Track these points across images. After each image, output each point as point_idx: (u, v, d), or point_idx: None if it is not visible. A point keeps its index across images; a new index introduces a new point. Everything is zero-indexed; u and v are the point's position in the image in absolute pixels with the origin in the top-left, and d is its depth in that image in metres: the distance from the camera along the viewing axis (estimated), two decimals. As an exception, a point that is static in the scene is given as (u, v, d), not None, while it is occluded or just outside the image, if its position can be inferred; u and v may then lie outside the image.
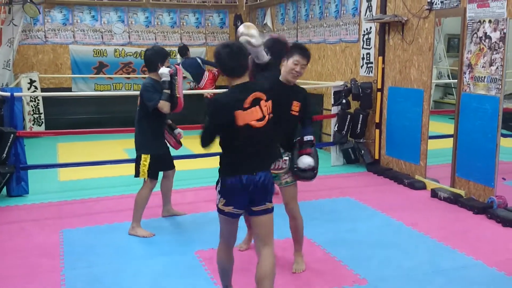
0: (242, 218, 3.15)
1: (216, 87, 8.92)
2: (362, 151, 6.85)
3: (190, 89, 9.06)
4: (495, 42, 4.81)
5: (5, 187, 5.50)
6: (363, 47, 7.04)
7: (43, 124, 9.32)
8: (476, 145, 5.09)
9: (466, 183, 5.30)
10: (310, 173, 3.48)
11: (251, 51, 3.19)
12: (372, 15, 6.67)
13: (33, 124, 9.16)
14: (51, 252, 4.05)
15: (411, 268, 3.72)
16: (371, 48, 6.86)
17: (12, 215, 4.98)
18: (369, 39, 6.89)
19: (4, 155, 5.31)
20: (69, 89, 10.15)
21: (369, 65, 6.92)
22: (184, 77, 6.99)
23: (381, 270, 3.69)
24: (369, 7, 6.81)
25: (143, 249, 4.13)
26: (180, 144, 4.76)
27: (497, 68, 4.81)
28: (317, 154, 3.54)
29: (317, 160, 3.49)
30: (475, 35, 5.05)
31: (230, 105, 2.73)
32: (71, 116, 9.48)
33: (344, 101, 6.81)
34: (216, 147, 2.91)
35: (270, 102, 2.85)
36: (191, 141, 7.73)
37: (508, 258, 3.91)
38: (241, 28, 3.22)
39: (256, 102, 2.77)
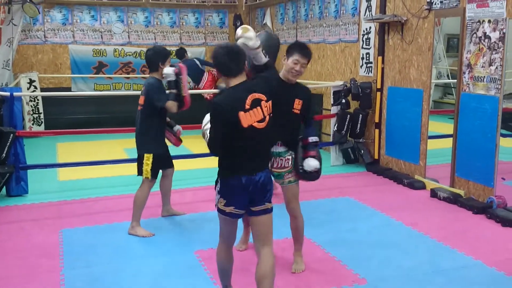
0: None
1: (216, 88, 8.92)
2: (362, 151, 6.85)
3: (190, 89, 9.05)
4: (495, 42, 4.81)
5: (4, 187, 5.50)
6: (362, 47, 7.04)
7: (43, 124, 9.31)
8: (475, 145, 5.09)
9: (466, 183, 5.30)
10: (315, 175, 3.50)
11: (249, 53, 3.19)
12: (372, 15, 6.67)
13: (32, 124, 9.15)
14: (51, 252, 4.05)
15: (410, 268, 3.73)
16: (370, 48, 6.86)
17: (11, 215, 4.98)
18: (368, 39, 6.89)
19: (4, 155, 5.31)
20: (69, 89, 10.15)
21: (368, 65, 6.93)
22: None
23: (380, 270, 3.69)
24: (369, 7, 6.81)
25: (142, 249, 4.13)
26: (180, 140, 4.76)
27: (496, 68, 4.82)
28: (320, 154, 3.55)
29: (320, 160, 3.50)
30: (474, 35, 5.05)
31: (232, 107, 2.71)
32: (70, 116, 9.48)
33: (343, 101, 6.81)
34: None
35: (270, 102, 2.84)
36: (190, 141, 7.75)
37: (508, 258, 3.91)
38: (239, 31, 3.23)
39: (256, 103, 2.76)
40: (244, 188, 2.79)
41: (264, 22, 10.29)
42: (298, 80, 3.58)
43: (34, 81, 9.18)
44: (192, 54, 9.75)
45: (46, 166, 6.28)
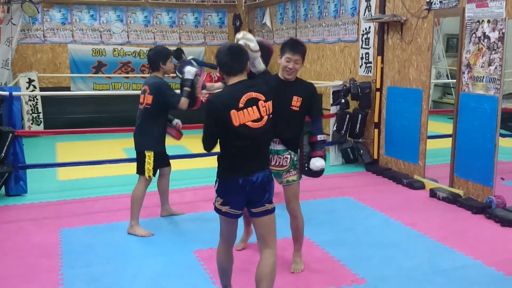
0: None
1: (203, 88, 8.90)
2: (361, 151, 6.85)
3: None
4: (494, 42, 4.81)
5: (3, 187, 5.49)
6: (362, 47, 7.04)
7: (42, 124, 9.31)
8: (475, 145, 5.10)
9: (465, 183, 5.30)
10: (319, 174, 3.51)
11: (249, 56, 3.14)
12: (371, 15, 6.68)
13: (31, 124, 9.15)
14: (50, 251, 4.05)
15: (410, 268, 3.73)
16: (370, 47, 6.86)
17: (10, 215, 4.98)
18: (368, 38, 6.89)
19: (3, 154, 5.30)
20: (68, 89, 10.16)
21: (368, 65, 6.93)
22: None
23: (380, 270, 3.69)
24: (368, 7, 6.81)
25: (141, 248, 4.13)
26: (181, 133, 4.77)
27: (495, 68, 4.82)
28: (325, 152, 3.55)
29: (325, 158, 3.51)
30: (474, 35, 5.05)
31: (224, 105, 2.71)
32: (69, 115, 9.46)
33: (343, 100, 6.81)
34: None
35: (270, 103, 2.82)
36: (189, 141, 7.74)
37: (507, 258, 3.92)
38: (238, 35, 3.20)
39: (252, 102, 2.74)
40: (241, 189, 2.78)
41: (264, 21, 10.29)
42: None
43: (33, 80, 9.17)
44: (189, 55, 9.72)
45: (45, 165, 6.27)
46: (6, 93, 5.47)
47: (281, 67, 3.43)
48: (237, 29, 10.99)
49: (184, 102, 4.28)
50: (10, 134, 5.32)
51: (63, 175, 6.42)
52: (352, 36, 7.31)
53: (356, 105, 6.87)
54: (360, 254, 3.98)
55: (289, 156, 3.50)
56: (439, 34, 6.51)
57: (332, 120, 7.04)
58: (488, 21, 4.87)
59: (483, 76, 4.96)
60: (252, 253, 3.90)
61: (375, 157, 6.76)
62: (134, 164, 4.49)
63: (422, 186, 5.79)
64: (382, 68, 6.58)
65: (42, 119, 9.30)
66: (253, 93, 2.75)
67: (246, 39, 3.13)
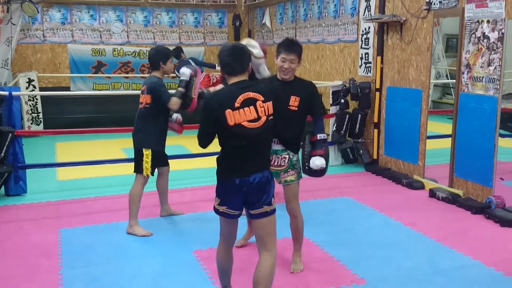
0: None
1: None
2: (361, 151, 6.85)
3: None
4: (493, 42, 4.81)
5: (3, 186, 5.49)
6: (361, 47, 7.04)
7: (42, 124, 9.30)
8: (474, 145, 5.10)
9: (464, 183, 5.30)
10: (320, 172, 3.50)
11: (253, 63, 3.14)
12: (371, 15, 6.68)
13: (31, 123, 9.14)
14: (49, 251, 4.05)
15: (409, 268, 3.73)
16: (369, 48, 6.86)
17: (10, 215, 4.98)
18: (367, 39, 6.90)
19: (2, 154, 5.30)
20: (68, 88, 10.16)
21: (367, 65, 6.93)
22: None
23: (379, 270, 3.70)
24: (368, 7, 6.82)
25: (141, 248, 4.13)
26: (182, 127, 4.76)
27: (495, 68, 4.82)
28: (328, 151, 3.53)
29: (328, 155, 3.50)
30: (473, 35, 5.05)
31: (220, 104, 2.71)
32: (69, 115, 9.46)
33: (342, 101, 6.81)
34: (213, 146, 2.90)
35: (270, 103, 2.80)
36: (188, 141, 7.74)
37: (506, 258, 3.92)
38: (243, 42, 3.20)
39: (249, 102, 2.72)
40: (238, 189, 2.77)
41: (263, 22, 10.29)
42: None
43: (33, 80, 9.17)
44: (189, 55, 9.71)
45: (44, 165, 6.27)
46: (6, 93, 5.47)
47: (278, 68, 3.44)
48: (236, 29, 11.00)
49: (175, 102, 4.26)
50: (10, 134, 5.32)
51: (63, 175, 6.42)
52: (352, 36, 7.31)
53: (356, 105, 6.87)
54: (359, 254, 3.98)
55: (287, 156, 3.50)
56: (438, 34, 6.51)
57: (332, 120, 7.04)
58: (488, 21, 4.87)
59: (483, 76, 4.97)
60: (252, 253, 3.90)
61: (375, 157, 6.76)
62: (133, 164, 4.49)
63: (421, 186, 5.79)
64: (381, 68, 6.58)
65: (41, 119, 9.30)
66: (250, 93, 2.74)
67: (250, 45, 3.12)
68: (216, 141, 2.86)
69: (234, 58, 2.78)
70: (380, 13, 6.48)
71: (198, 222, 4.71)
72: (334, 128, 6.94)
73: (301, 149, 3.59)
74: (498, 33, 4.76)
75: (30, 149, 7.22)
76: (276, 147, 3.49)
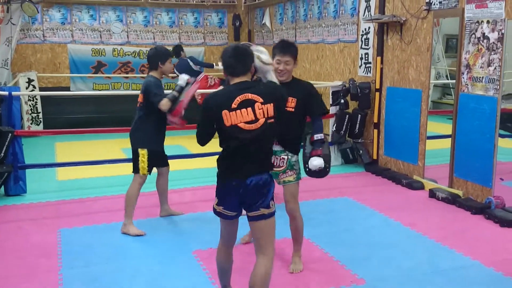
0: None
1: None
2: (360, 151, 6.85)
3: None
4: (493, 42, 4.81)
5: (3, 187, 5.49)
6: (361, 47, 7.04)
7: (41, 124, 9.30)
8: (474, 145, 5.10)
9: (464, 184, 5.30)
10: (321, 173, 3.49)
11: (261, 69, 3.09)
12: (371, 15, 6.68)
13: (31, 124, 9.14)
14: (49, 251, 4.05)
15: (409, 268, 3.73)
16: (369, 48, 6.86)
17: (9, 215, 4.98)
18: (367, 39, 6.90)
19: (2, 154, 5.30)
20: (67, 89, 10.15)
21: (367, 65, 6.93)
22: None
23: (379, 270, 3.70)
24: (368, 7, 6.82)
25: (141, 248, 4.13)
26: (184, 121, 4.74)
27: (495, 68, 4.82)
28: (329, 149, 3.50)
29: (329, 155, 3.47)
30: (473, 36, 5.05)
31: (218, 104, 2.71)
32: (69, 115, 9.46)
33: (342, 101, 6.81)
34: (212, 146, 2.90)
35: (270, 105, 2.75)
36: (188, 141, 7.74)
37: (506, 258, 3.92)
38: (252, 48, 3.18)
39: (247, 103, 2.70)
40: (234, 191, 2.77)
41: (263, 22, 10.29)
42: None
43: (33, 80, 9.17)
44: (192, 54, 9.72)
45: (44, 165, 6.27)
46: (6, 93, 5.47)
47: (274, 70, 3.42)
48: (236, 29, 11.00)
49: (165, 103, 4.25)
50: (10, 134, 5.32)
51: (63, 175, 6.42)
52: (352, 37, 7.31)
53: (356, 105, 6.87)
54: (359, 254, 3.98)
55: (286, 157, 3.51)
56: (438, 35, 6.51)
57: (332, 121, 7.04)
58: (488, 22, 4.87)
59: (483, 77, 4.97)
60: (253, 253, 3.86)
61: (375, 157, 6.76)
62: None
63: (421, 187, 5.79)
64: (381, 69, 6.58)
65: (41, 119, 9.30)
66: (249, 94, 2.72)
67: (258, 51, 3.09)
68: (216, 141, 2.86)
69: (237, 59, 2.78)
70: (380, 14, 6.48)
71: (198, 222, 4.71)
72: (334, 128, 6.94)
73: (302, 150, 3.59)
74: (498, 34, 4.76)
75: (30, 149, 7.21)
76: (275, 148, 3.49)
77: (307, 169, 3.49)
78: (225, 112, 2.69)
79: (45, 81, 10.04)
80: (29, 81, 9.11)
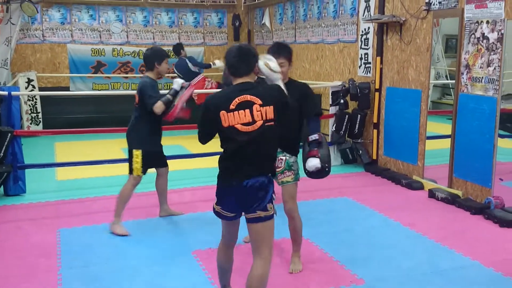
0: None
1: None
2: (360, 151, 6.85)
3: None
4: (493, 42, 4.82)
5: (2, 186, 5.49)
6: (361, 47, 7.04)
7: (41, 123, 9.30)
8: (473, 145, 5.10)
9: (464, 184, 5.30)
10: (322, 173, 3.46)
11: (269, 77, 3.06)
12: (370, 15, 6.68)
13: (30, 123, 9.14)
14: (48, 251, 4.04)
15: (409, 268, 3.73)
16: (369, 48, 6.86)
17: (9, 215, 4.98)
18: (367, 39, 6.90)
19: (1, 154, 5.30)
20: (67, 88, 10.15)
21: (367, 65, 6.93)
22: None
23: (378, 270, 3.69)
24: (367, 7, 6.82)
25: (140, 248, 4.13)
26: (188, 109, 4.75)
27: (494, 68, 4.82)
28: (328, 149, 3.47)
29: (328, 155, 3.44)
30: (473, 36, 5.05)
31: (216, 105, 2.72)
32: (68, 115, 9.46)
33: (342, 101, 6.81)
34: (212, 146, 2.90)
35: (269, 108, 2.72)
36: (188, 141, 7.74)
37: (505, 258, 3.92)
38: (260, 58, 3.17)
39: (245, 105, 2.69)
40: (232, 192, 2.77)
41: (263, 22, 10.29)
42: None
43: (32, 80, 9.17)
44: (191, 54, 9.71)
45: (44, 165, 6.27)
46: (5, 92, 5.46)
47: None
48: (236, 29, 10.99)
49: (159, 105, 4.29)
50: (9, 134, 5.31)
51: (62, 175, 6.42)
52: (351, 37, 7.31)
53: (355, 105, 6.87)
54: (359, 254, 3.98)
55: (284, 158, 3.52)
56: (438, 35, 6.51)
57: (331, 121, 7.04)
58: (487, 22, 4.87)
59: (482, 77, 4.97)
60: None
61: (374, 157, 6.76)
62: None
63: (421, 187, 5.79)
64: (381, 69, 6.58)
65: (41, 119, 9.29)
66: (248, 96, 2.71)
67: (266, 58, 3.08)
68: (216, 141, 2.86)
69: (240, 59, 2.77)
70: (379, 14, 6.48)
71: (198, 223, 4.71)
72: (334, 129, 6.94)
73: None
74: (498, 34, 4.76)
75: (29, 149, 7.21)
76: None
77: (306, 171, 3.49)
78: (223, 113, 2.69)
79: (44, 81, 10.04)
80: (29, 81, 9.11)
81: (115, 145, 8.00)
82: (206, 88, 8.64)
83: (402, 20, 6.09)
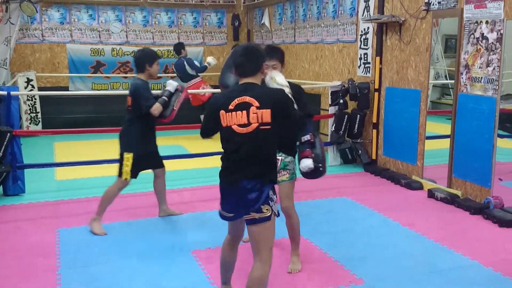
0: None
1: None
2: (359, 151, 6.85)
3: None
4: (492, 43, 4.82)
5: (1, 186, 5.49)
6: (360, 47, 7.04)
7: (40, 123, 9.29)
8: (473, 145, 5.10)
9: (463, 184, 5.31)
10: (316, 173, 3.43)
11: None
12: (370, 15, 6.68)
13: (30, 123, 9.13)
14: (48, 251, 4.04)
15: (408, 268, 3.73)
16: (368, 48, 6.86)
17: (8, 214, 4.97)
18: (366, 39, 6.90)
19: (1, 154, 5.29)
20: (66, 88, 10.14)
21: (366, 65, 6.93)
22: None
23: (378, 270, 3.69)
24: (367, 7, 6.82)
25: (139, 248, 4.12)
26: (185, 89, 4.75)
27: (494, 69, 4.82)
28: (322, 149, 3.45)
29: (322, 155, 3.42)
30: (472, 36, 5.06)
31: (218, 104, 2.76)
32: (68, 115, 9.45)
33: (341, 101, 6.81)
34: (212, 146, 2.91)
35: (266, 111, 2.67)
36: (187, 141, 7.73)
37: (504, 258, 3.92)
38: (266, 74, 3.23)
39: (243, 106, 2.68)
40: (229, 192, 2.79)
41: (262, 22, 10.29)
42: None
43: (32, 80, 9.16)
44: (190, 54, 9.70)
45: (43, 165, 6.26)
46: (4, 92, 5.46)
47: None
48: (235, 29, 10.99)
49: (157, 107, 4.31)
50: (8, 134, 5.31)
51: (61, 175, 6.42)
52: (351, 37, 7.31)
53: (355, 105, 6.87)
54: (358, 254, 3.98)
55: (280, 158, 3.54)
56: (437, 35, 6.51)
57: (331, 121, 7.04)
58: (487, 22, 4.88)
59: (481, 77, 4.97)
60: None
61: (374, 157, 6.76)
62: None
63: (420, 187, 5.79)
64: (380, 69, 6.58)
65: (40, 119, 9.29)
66: (247, 97, 2.70)
67: (272, 73, 3.20)
68: (215, 141, 2.88)
69: (247, 58, 2.77)
70: (379, 14, 6.48)
71: (197, 222, 4.71)
72: (333, 129, 6.94)
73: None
74: (497, 34, 4.77)
75: (29, 149, 7.20)
76: None
77: (301, 172, 3.48)
78: (222, 113, 2.71)
79: (44, 81, 10.03)
80: (28, 80, 9.10)
81: (114, 145, 7.92)
82: (199, 94, 8.60)
83: (401, 20, 6.09)
